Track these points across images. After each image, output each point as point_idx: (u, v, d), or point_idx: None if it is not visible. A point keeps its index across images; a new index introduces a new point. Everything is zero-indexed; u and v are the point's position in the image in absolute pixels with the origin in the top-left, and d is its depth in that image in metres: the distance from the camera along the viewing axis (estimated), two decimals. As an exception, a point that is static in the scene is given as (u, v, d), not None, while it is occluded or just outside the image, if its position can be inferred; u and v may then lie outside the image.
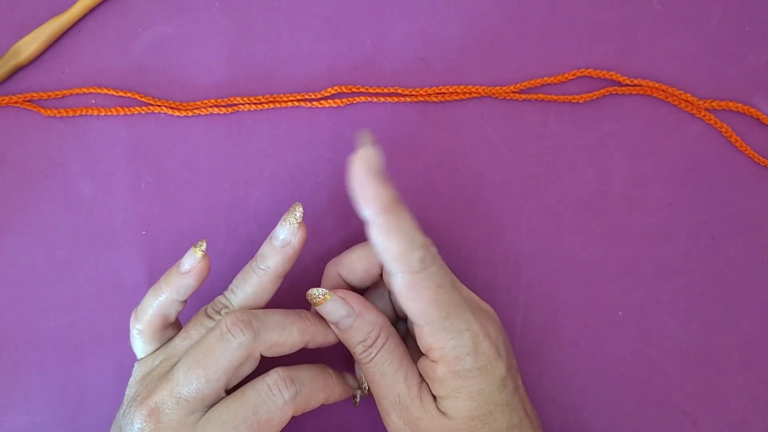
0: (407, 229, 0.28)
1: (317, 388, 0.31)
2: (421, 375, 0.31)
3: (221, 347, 0.29)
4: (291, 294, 0.37)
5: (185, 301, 0.33)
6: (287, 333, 0.31)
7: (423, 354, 0.31)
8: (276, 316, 0.31)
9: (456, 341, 0.29)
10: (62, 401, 0.37)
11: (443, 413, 0.30)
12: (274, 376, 0.30)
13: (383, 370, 0.31)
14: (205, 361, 0.29)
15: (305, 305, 0.37)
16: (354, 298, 0.32)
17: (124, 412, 0.31)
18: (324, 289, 0.31)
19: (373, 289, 0.35)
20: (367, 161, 0.27)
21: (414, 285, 0.29)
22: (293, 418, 0.30)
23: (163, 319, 0.32)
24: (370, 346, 0.31)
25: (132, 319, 0.32)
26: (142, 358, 0.33)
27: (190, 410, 0.29)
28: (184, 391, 0.29)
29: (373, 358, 0.31)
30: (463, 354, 0.29)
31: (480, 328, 0.30)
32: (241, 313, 0.30)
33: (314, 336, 0.31)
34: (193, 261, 0.32)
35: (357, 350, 0.32)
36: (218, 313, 0.32)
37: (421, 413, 0.30)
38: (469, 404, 0.29)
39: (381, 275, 0.33)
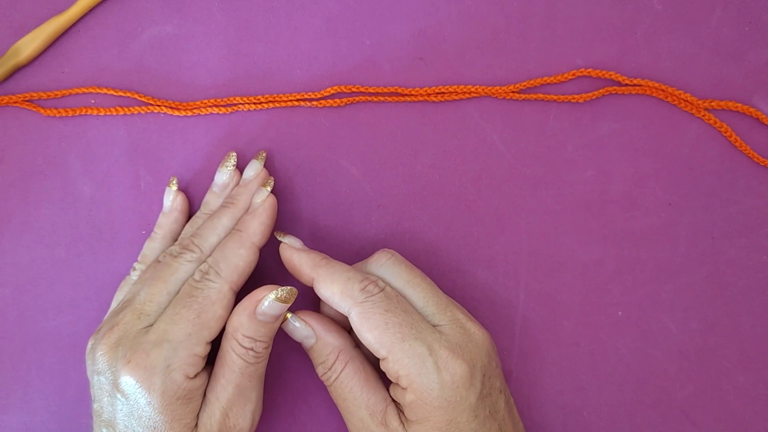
0: (342, 271, 0.31)
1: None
2: (387, 401, 0.31)
3: (172, 261, 0.32)
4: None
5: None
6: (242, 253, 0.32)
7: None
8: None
9: (420, 368, 0.29)
10: (62, 401, 0.37)
11: None
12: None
13: (344, 395, 0.31)
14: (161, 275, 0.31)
15: (306, 305, 0.37)
16: (316, 320, 0.32)
17: (90, 360, 0.31)
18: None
19: None
20: (289, 245, 0.33)
21: (364, 314, 0.30)
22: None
23: None
24: (329, 369, 0.32)
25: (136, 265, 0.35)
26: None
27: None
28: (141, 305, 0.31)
29: (333, 381, 0.32)
30: (430, 382, 0.29)
31: (449, 354, 0.30)
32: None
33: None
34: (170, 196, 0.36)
35: (319, 371, 0.32)
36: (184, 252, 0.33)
37: None
38: None
39: None
